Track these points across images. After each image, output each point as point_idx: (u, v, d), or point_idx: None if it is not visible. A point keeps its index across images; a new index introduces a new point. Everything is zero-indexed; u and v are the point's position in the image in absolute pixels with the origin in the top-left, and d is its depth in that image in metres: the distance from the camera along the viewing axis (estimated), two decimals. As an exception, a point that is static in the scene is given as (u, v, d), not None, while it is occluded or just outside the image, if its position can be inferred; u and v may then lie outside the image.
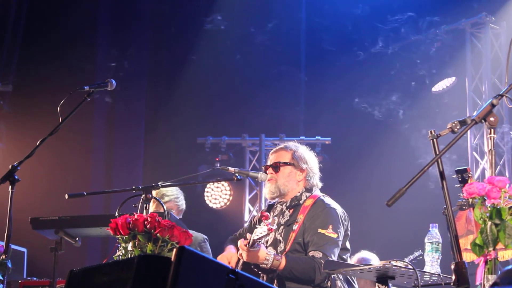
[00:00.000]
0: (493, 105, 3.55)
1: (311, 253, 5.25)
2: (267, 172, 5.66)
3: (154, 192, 6.41)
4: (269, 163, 5.70)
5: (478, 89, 10.49)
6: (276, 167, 5.62)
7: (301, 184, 5.62)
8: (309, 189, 5.62)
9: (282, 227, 5.50)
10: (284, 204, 5.60)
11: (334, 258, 5.25)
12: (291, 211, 5.55)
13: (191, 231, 6.54)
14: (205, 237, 6.68)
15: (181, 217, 6.89)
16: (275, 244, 5.47)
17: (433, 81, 10.82)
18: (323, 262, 5.06)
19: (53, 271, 5.51)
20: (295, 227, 5.42)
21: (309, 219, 5.40)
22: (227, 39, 11.37)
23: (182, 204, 6.92)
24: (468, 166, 5.94)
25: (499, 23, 10.45)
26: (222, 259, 5.49)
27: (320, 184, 5.71)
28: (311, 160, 5.71)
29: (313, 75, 11.57)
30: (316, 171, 5.71)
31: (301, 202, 5.54)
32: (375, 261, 7.49)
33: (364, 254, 7.74)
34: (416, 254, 7.63)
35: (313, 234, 5.31)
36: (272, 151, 5.82)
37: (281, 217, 5.55)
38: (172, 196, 6.79)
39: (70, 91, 5.18)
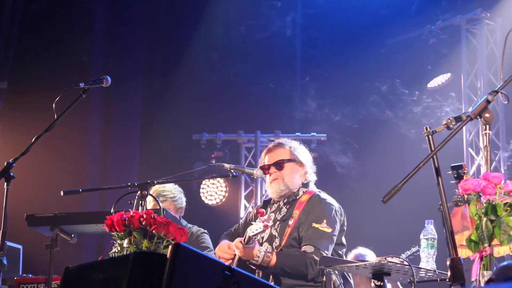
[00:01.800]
0: (488, 101, 3.56)
1: (303, 248, 5.26)
2: (270, 171, 5.61)
3: (151, 190, 6.42)
4: (267, 162, 5.66)
5: (474, 85, 10.50)
6: (279, 164, 5.60)
7: (302, 179, 5.63)
8: (305, 184, 5.62)
9: (278, 222, 5.49)
10: (282, 200, 5.60)
11: (328, 252, 5.25)
12: (287, 206, 5.55)
13: (189, 225, 6.61)
14: (204, 230, 6.69)
15: (182, 215, 6.88)
16: (270, 239, 5.47)
17: (428, 77, 10.83)
18: (315, 256, 5.07)
19: (49, 268, 5.50)
20: (290, 222, 5.42)
21: (304, 213, 5.40)
22: (222, 36, 11.36)
23: (181, 203, 6.90)
24: (464, 162, 5.94)
25: (494, 19, 10.46)
26: (220, 249, 5.51)
27: (314, 177, 5.70)
28: (307, 155, 5.72)
29: (309, 71, 11.57)
30: (311, 165, 5.71)
31: (297, 197, 5.54)
32: (371, 257, 7.50)
33: (360, 250, 7.75)
34: (413, 250, 7.64)
35: (307, 228, 5.31)
36: (266, 150, 5.76)
37: (277, 213, 5.55)
38: (168, 196, 6.77)
39: (65, 88, 5.17)
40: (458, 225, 3.75)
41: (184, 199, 6.94)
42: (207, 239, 6.60)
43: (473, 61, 10.53)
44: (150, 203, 6.14)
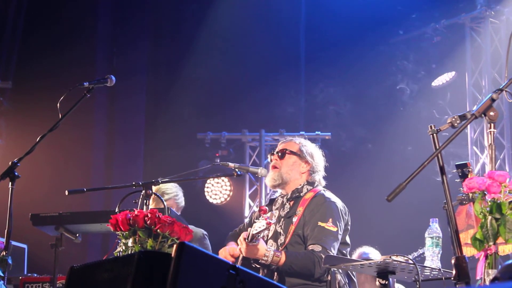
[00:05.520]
0: (493, 100, 3.55)
1: (310, 247, 5.26)
2: (272, 159, 5.68)
3: (153, 189, 6.42)
4: (275, 151, 5.74)
5: (478, 83, 10.48)
6: (282, 154, 5.65)
7: (304, 176, 5.64)
8: (311, 183, 5.63)
9: (282, 219, 5.51)
10: (285, 197, 5.61)
11: (334, 251, 5.26)
12: (291, 203, 5.57)
13: (190, 226, 6.57)
14: (205, 232, 6.70)
15: (179, 214, 6.89)
16: (275, 236, 5.48)
17: (433, 75, 10.82)
18: (322, 255, 5.07)
19: (54, 268, 5.52)
20: (294, 219, 5.43)
21: (309, 212, 5.41)
22: (227, 34, 11.36)
23: (182, 201, 6.93)
24: (468, 160, 5.94)
25: (499, 17, 10.44)
26: (224, 252, 5.51)
27: (323, 182, 5.72)
28: (318, 157, 5.73)
29: (313, 69, 11.57)
30: (321, 168, 5.72)
31: (301, 194, 5.55)
32: (376, 255, 7.49)
33: (365, 249, 7.73)
34: (420, 251, 7.62)
35: (313, 227, 5.32)
36: (280, 142, 5.86)
37: (281, 209, 5.57)
38: (172, 194, 6.80)
39: (70, 87, 5.18)
40: (463, 223, 3.74)
41: (183, 198, 6.95)
42: (208, 245, 6.61)
43: (478, 60, 10.51)
44: (152, 202, 6.15)
